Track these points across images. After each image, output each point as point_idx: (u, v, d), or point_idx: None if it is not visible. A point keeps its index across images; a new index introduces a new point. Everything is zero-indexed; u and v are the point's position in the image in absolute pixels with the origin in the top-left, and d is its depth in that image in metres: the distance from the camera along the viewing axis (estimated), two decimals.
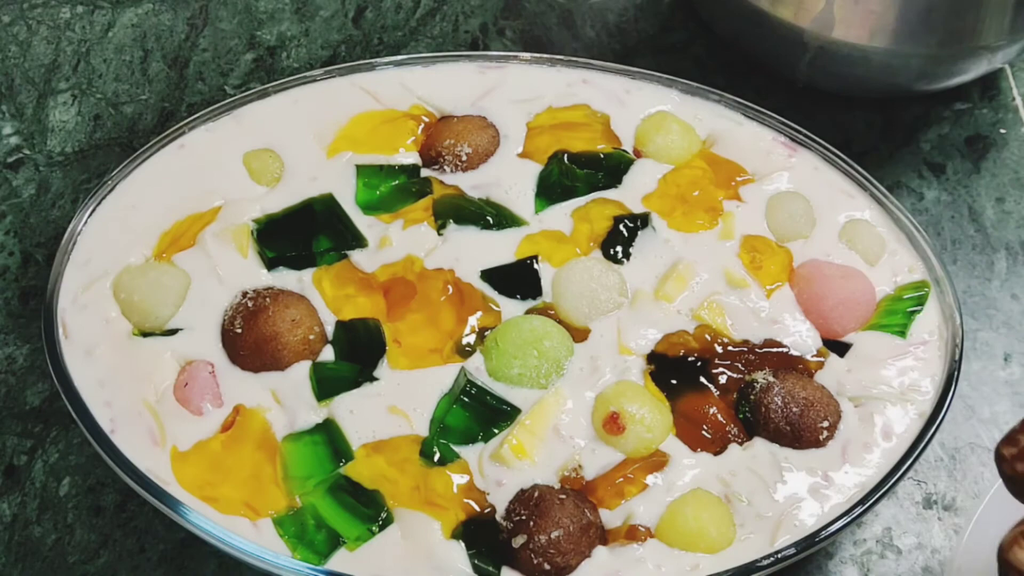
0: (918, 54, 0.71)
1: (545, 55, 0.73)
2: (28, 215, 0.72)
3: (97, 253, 0.64)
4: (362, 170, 0.68)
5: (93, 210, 0.65)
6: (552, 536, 0.55)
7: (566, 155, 0.68)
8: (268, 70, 0.80)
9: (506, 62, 0.72)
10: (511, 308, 0.63)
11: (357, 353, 0.62)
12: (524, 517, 0.56)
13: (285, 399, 0.60)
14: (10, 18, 0.81)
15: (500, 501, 0.58)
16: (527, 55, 0.73)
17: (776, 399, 0.60)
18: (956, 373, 0.61)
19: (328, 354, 0.62)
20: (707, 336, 0.63)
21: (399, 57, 0.73)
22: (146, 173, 0.67)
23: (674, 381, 0.61)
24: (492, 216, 0.66)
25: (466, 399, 0.60)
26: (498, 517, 0.57)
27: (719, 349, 0.62)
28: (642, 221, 0.66)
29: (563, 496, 0.57)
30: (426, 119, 0.70)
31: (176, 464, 0.58)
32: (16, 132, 0.76)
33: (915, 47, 0.70)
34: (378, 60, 0.72)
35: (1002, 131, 0.78)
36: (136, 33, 0.81)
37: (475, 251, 0.65)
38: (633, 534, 0.57)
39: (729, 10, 0.77)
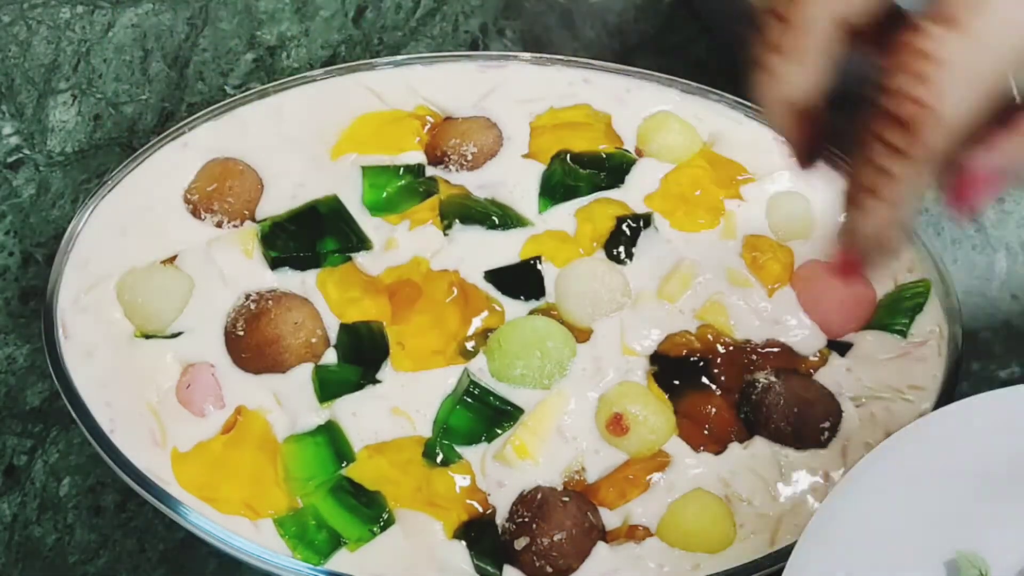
0: None
1: (545, 55, 0.73)
2: (28, 215, 0.72)
3: (97, 253, 0.64)
4: (368, 171, 0.67)
5: (93, 210, 0.65)
6: (555, 539, 0.55)
7: (568, 155, 0.68)
8: (268, 70, 0.80)
9: (506, 62, 0.72)
10: (514, 309, 0.63)
11: (360, 356, 0.61)
12: (527, 519, 0.56)
13: (287, 401, 0.60)
14: (10, 18, 0.81)
15: (502, 502, 0.58)
16: (527, 55, 0.73)
17: (777, 399, 0.60)
18: (956, 373, 0.62)
19: (331, 357, 0.62)
20: (709, 336, 0.63)
21: (399, 57, 0.73)
22: (146, 173, 0.67)
23: (676, 381, 0.61)
24: (498, 216, 0.66)
25: (469, 400, 0.60)
26: (500, 519, 0.57)
27: (721, 349, 0.62)
28: (644, 221, 0.66)
29: (566, 499, 0.57)
30: (431, 119, 0.70)
31: (177, 465, 0.58)
32: (16, 132, 0.76)
33: None
34: (378, 60, 0.72)
35: None
36: (136, 33, 0.81)
37: (480, 252, 0.65)
38: (634, 534, 0.57)
39: (729, 10, 0.76)
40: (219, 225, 0.65)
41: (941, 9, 0.31)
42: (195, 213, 0.66)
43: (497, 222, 0.66)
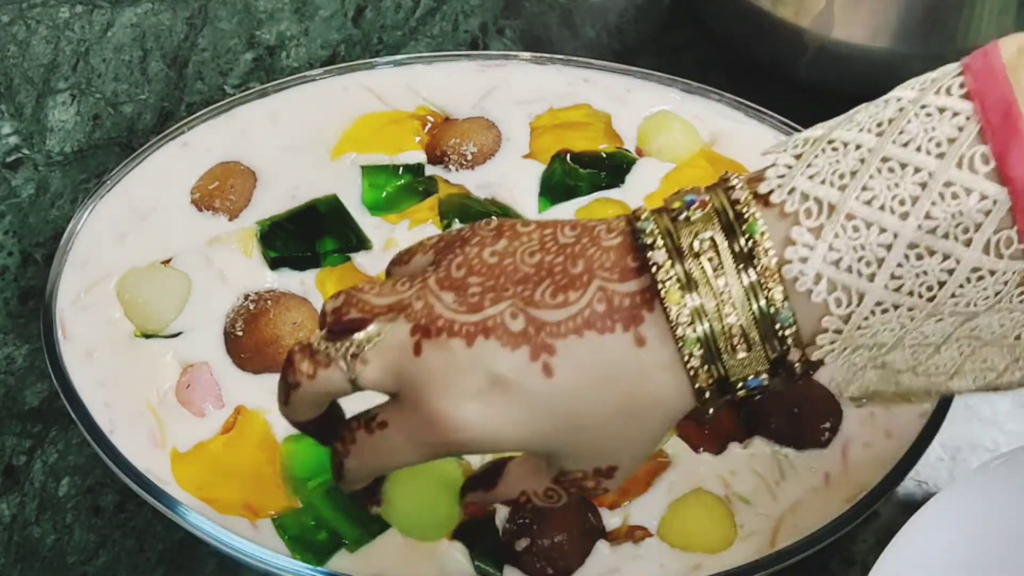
0: (918, 54, 0.71)
1: (545, 55, 0.73)
2: (27, 215, 0.72)
3: (96, 253, 0.64)
4: (367, 170, 0.67)
5: (92, 210, 0.65)
6: (555, 540, 0.55)
7: (568, 155, 0.68)
8: (268, 70, 0.80)
9: (506, 62, 0.72)
10: None
11: None
12: (527, 520, 0.56)
13: None
14: (9, 18, 0.81)
15: None
16: (527, 55, 0.73)
17: (778, 399, 0.60)
18: None
19: None
20: None
21: (399, 57, 0.73)
22: (145, 173, 0.67)
23: None
24: (497, 216, 0.66)
25: None
26: (500, 519, 0.57)
27: None
28: None
29: None
30: (431, 119, 0.70)
31: (176, 465, 0.58)
32: (15, 132, 0.76)
33: (915, 47, 0.70)
34: (378, 60, 0.72)
35: None
36: (135, 33, 0.81)
37: None
38: (634, 534, 0.57)
39: (729, 10, 0.76)
40: (227, 220, 0.65)
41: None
42: (199, 211, 0.66)
43: None
